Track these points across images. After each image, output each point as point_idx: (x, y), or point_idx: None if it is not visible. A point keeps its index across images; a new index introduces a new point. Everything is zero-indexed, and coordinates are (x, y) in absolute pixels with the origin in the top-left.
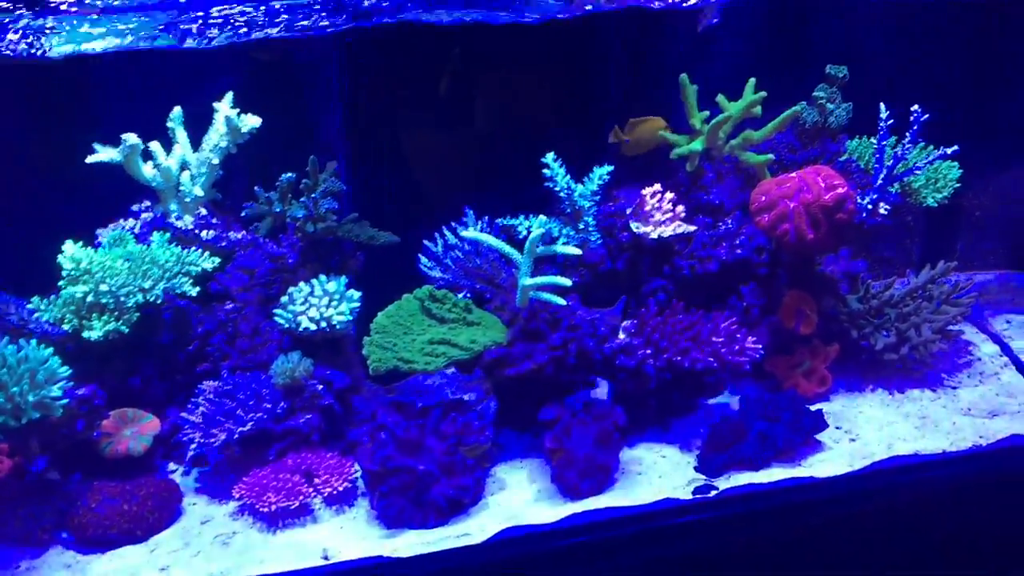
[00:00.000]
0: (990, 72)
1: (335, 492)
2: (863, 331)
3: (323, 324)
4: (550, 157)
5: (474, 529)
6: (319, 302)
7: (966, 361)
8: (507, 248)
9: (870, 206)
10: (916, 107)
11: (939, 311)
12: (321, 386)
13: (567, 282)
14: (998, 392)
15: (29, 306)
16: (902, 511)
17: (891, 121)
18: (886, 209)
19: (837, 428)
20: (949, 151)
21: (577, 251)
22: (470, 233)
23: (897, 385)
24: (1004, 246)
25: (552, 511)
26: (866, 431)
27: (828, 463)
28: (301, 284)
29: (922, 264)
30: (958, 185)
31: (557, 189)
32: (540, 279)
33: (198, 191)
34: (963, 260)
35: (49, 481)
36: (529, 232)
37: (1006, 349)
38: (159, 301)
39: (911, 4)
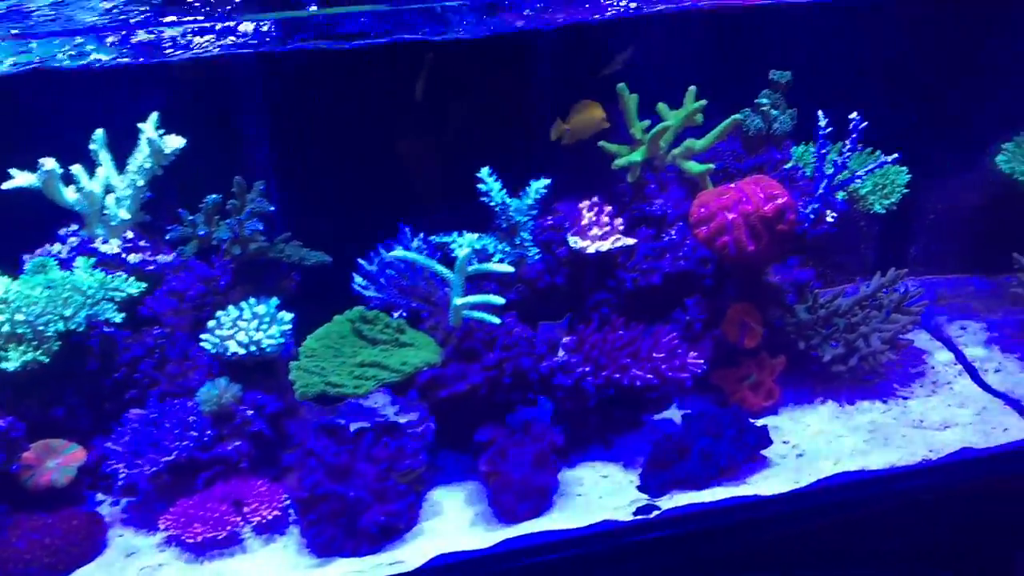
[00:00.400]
0: (941, 74)
1: (265, 521)
2: (811, 342)
3: (252, 348)
4: (485, 171)
5: (408, 556)
6: (248, 325)
7: (919, 370)
8: (437, 267)
9: (812, 216)
10: (854, 114)
11: (889, 320)
12: (251, 411)
13: (500, 300)
14: (950, 402)
15: None
16: (850, 528)
17: (829, 128)
18: (833, 217)
19: (784, 443)
20: (889, 158)
21: (509, 268)
22: (398, 253)
23: (847, 396)
24: (959, 249)
25: (488, 535)
26: (813, 445)
27: (773, 480)
28: (230, 307)
29: (877, 269)
30: (906, 191)
31: (492, 204)
32: (472, 298)
33: (124, 214)
34: (918, 264)
35: None
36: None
37: (960, 357)
38: (81, 329)
39: (857, 7)
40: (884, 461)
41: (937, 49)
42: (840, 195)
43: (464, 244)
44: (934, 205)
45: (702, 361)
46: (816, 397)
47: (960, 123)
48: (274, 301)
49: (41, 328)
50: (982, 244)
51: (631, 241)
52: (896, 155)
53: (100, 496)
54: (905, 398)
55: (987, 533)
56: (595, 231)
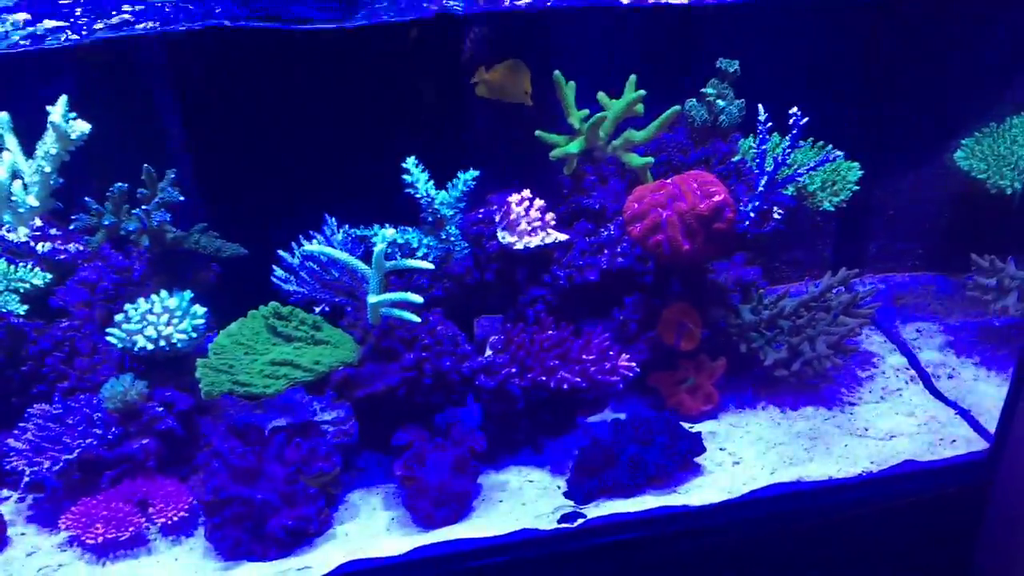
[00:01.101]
0: (902, 68)
1: (171, 522)
2: (752, 345)
3: (162, 343)
4: (411, 161)
5: (316, 562)
6: (157, 319)
7: (869, 374)
8: (354, 261)
9: (752, 214)
10: (795, 109)
11: (837, 322)
12: (161, 408)
13: (418, 299)
14: (899, 410)
15: None
16: (784, 541)
17: (770, 123)
18: (779, 214)
19: (721, 450)
20: (832, 156)
21: (428, 265)
22: (314, 247)
23: (791, 402)
24: (920, 247)
25: (402, 542)
26: (751, 453)
27: (705, 489)
28: (140, 300)
29: (834, 266)
30: (857, 188)
31: (418, 196)
32: (389, 295)
33: (32, 201)
34: (878, 262)
35: None
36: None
37: (913, 361)
38: None
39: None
40: (822, 472)
41: (897, 43)
42: (789, 190)
43: (383, 238)
44: (894, 201)
45: (634, 364)
46: (759, 402)
47: (921, 118)
48: (187, 294)
49: None
50: (943, 242)
51: (563, 236)
52: (839, 153)
53: (6, 492)
54: (852, 404)
55: (929, 550)
56: (523, 226)
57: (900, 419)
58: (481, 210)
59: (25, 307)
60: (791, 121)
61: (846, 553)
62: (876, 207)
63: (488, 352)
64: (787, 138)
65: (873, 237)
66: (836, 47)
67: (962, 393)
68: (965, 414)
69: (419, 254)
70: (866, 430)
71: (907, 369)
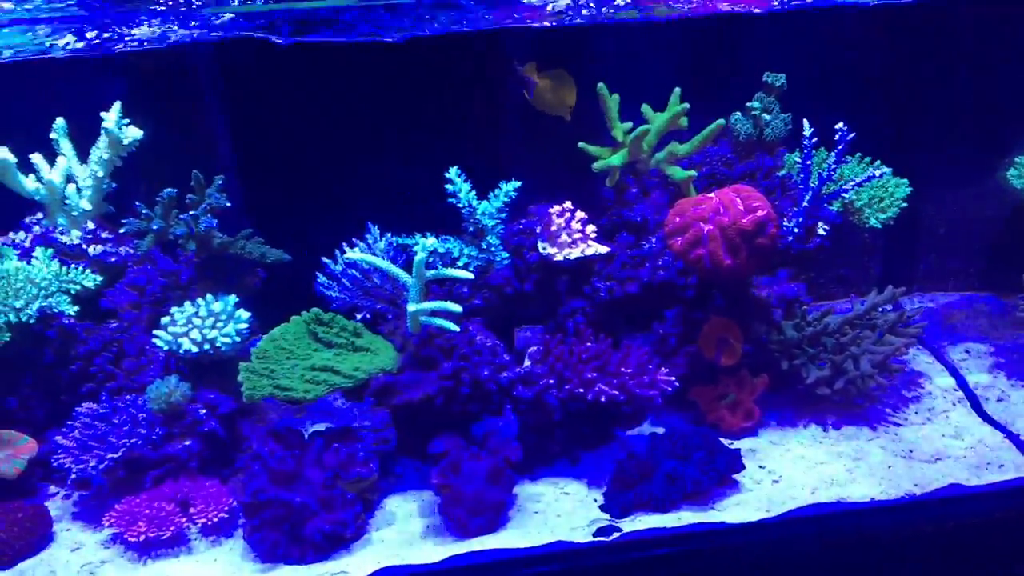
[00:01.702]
0: (952, 83)
1: (211, 522)
2: (794, 362)
3: (206, 346)
4: (453, 171)
5: (352, 566)
6: (202, 323)
7: (915, 395)
8: (395, 269)
9: (796, 230)
10: (840, 124)
11: (882, 341)
12: (204, 411)
13: (457, 308)
14: (945, 432)
15: None
16: (823, 563)
17: (815, 138)
18: (825, 230)
19: (760, 467)
20: (879, 172)
21: (468, 275)
22: (355, 254)
23: (834, 421)
24: (971, 266)
25: (436, 550)
26: (792, 472)
27: (743, 506)
28: (186, 304)
29: (882, 284)
30: (904, 204)
31: (460, 206)
32: (428, 304)
33: (85, 205)
34: (926, 281)
35: None
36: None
37: (961, 382)
38: (33, 321)
39: (863, 11)
40: (864, 493)
41: (949, 55)
42: (835, 206)
43: (423, 247)
44: (945, 219)
45: (673, 378)
46: (800, 420)
47: (974, 134)
48: (232, 299)
49: None
50: (995, 262)
51: (604, 249)
52: (887, 169)
53: (53, 488)
54: (897, 425)
55: None
56: (564, 237)
57: (946, 441)
58: (522, 221)
59: (76, 308)
60: (837, 136)
61: None
62: (926, 224)
63: (526, 363)
64: (833, 153)
65: (922, 255)
66: (886, 59)
67: (1012, 416)
68: (1014, 438)
69: (460, 263)
70: (911, 452)
71: (955, 391)
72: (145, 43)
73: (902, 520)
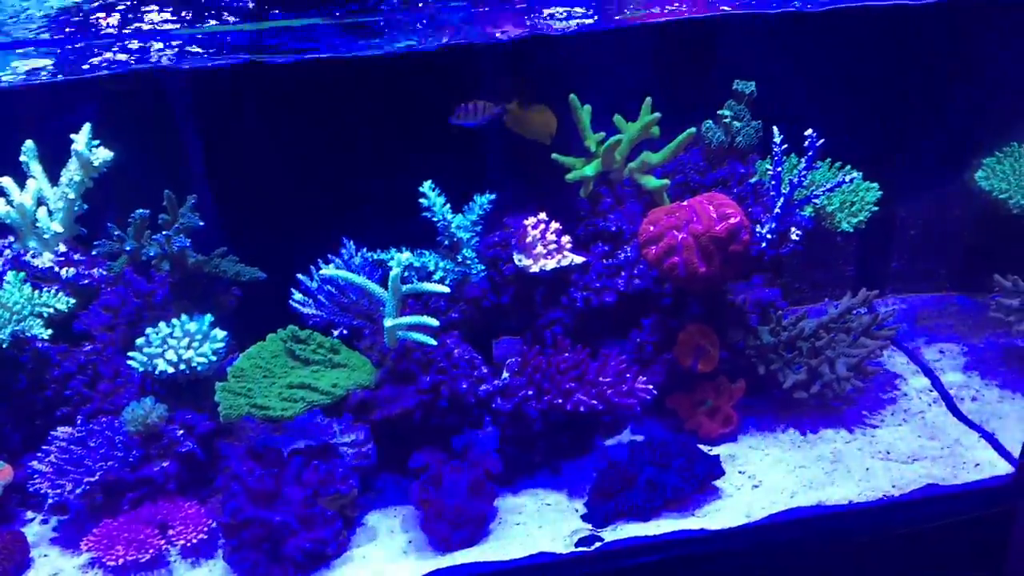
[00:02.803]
0: (919, 88)
1: (191, 544)
2: (771, 367)
3: (182, 367)
4: (427, 185)
5: None
6: (178, 343)
7: (891, 396)
8: (371, 285)
9: (769, 235)
10: (810, 131)
11: (857, 344)
12: (181, 432)
13: (434, 322)
14: (921, 433)
15: None
16: (802, 566)
17: (785, 145)
18: (798, 235)
19: (740, 472)
20: (848, 177)
21: (444, 289)
22: (331, 271)
23: (811, 424)
24: (942, 267)
25: (419, 565)
26: (771, 476)
27: (724, 512)
28: (161, 324)
29: (856, 286)
30: (875, 208)
31: (435, 220)
32: (405, 319)
33: (56, 227)
34: (899, 282)
35: None
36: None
37: (936, 383)
38: (4, 345)
39: (830, 16)
40: (843, 495)
41: (916, 61)
42: (807, 211)
43: (398, 262)
44: (916, 221)
45: (651, 386)
46: (778, 424)
47: (942, 137)
48: (207, 318)
49: None
50: (966, 262)
51: (579, 259)
52: (856, 175)
53: (30, 514)
54: (873, 427)
55: None
56: (539, 249)
57: (923, 442)
58: (497, 233)
59: (49, 331)
60: (807, 143)
61: None
62: (898, 227)
63: (505, 374)
64: (803, 159)
65: (895, 257)
66: (854, 65)
67: (986, 416)
68: (989, 437)
69: (436, 277)
70: (888, 453)
71: (930, 391)
72: (114, 66)
73: (881, 521)
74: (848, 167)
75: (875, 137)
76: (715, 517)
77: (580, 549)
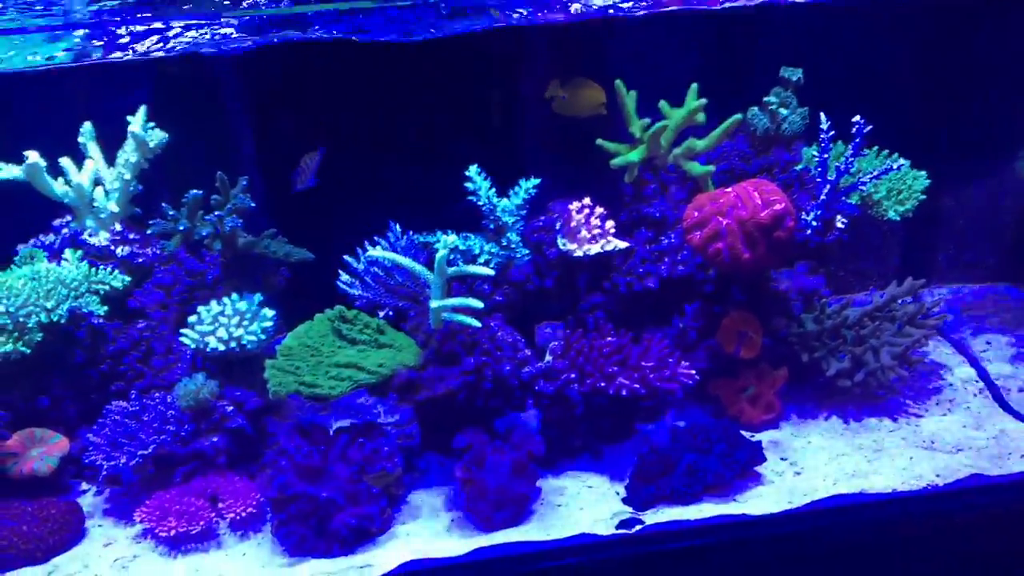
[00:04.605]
0: (969, 74)
1: (240, 517)
2: (814, 355)
3: (232, 344)
4: (473, 170)
5: (378, 560)
6: (228, 321)
7: (936, 386)
8: (417, 267)
9: (814, 223)
10: (857, 117)
11: (902, 333)
12: (231, 408)
13: (479, 304)
14: (966, 423)
15: None
16: (843, 555)
17: (832, 132)
18: (843, 223)
19: (782, 459)
20: (895, 165)
21: (489, 271)
22: (377, 252)
23: (854, 413)
24: (990, 257)
25: (461, 544)
26: (813, 464)
27: (765, 499)
28: (212, 303)
29: (902, 276)
30: (923, 197)
31: (480, 203)
32: (450, 301)
33: (113, 207)
34: (946, 272)
35: None
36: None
37: (982, 373)
38: (63, 321)
39: (880, 2)
40: (886, 484)
41: (967, 46)
42: (853, 199)
43: (444, 245)
44: (965, 210)
45: (694, 372)
46: (821, 412)
47: (993, 125)
48: (257, 297)
49: (23, 319)
50: (1015, 253)
51: (623, 244)
52: (904, 162)
53: (85, 485)
54: (917, 416)
55: (996, 568)
56: (583, 233)
57: (968, 432)
58: (542, 218)
59: (105, 308)
60: (854, 129)
61: (909, 569)
62: (946, 216)
63: (548, 358)
64: (850, 146)
65: (942, 247)
66: (904, 51)
67: None
68: None
69: (480, 260)
70: (932, 443)
71: (976, 382)
72: (176, 48)
73: (924, 511)
74: (896, 155)
75: (924, 125)
76: (756, 503)
77: (621, 531)
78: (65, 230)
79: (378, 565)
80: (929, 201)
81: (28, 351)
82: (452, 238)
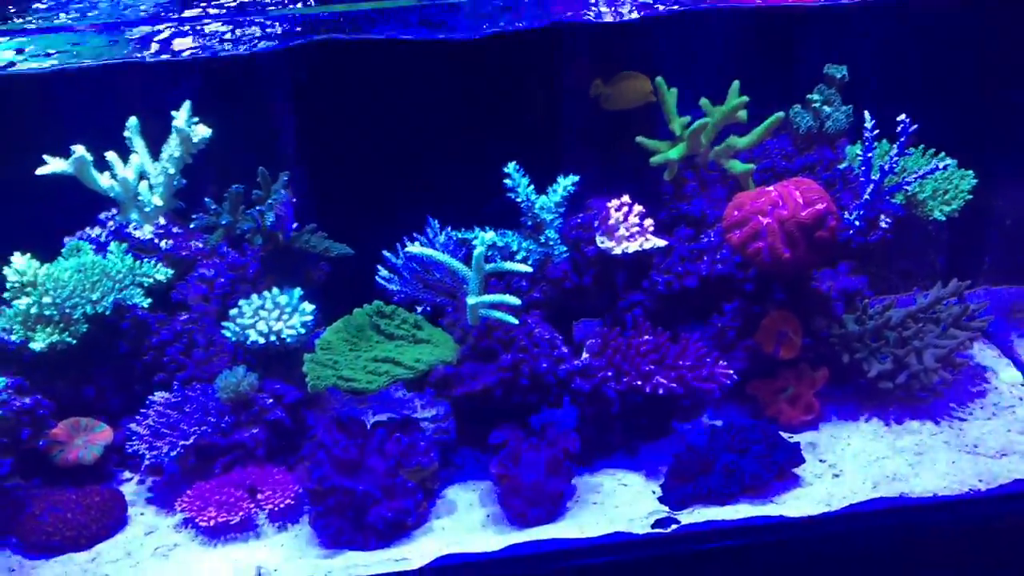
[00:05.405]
0: (1019, 74)
1: (278, 508)
2: (855, 355)
3: (272, 338)
4: (512, 166)
5: (414, 553)
6: (269, 315)
7: (981, 390)
8: (455, 263)
9: (857, 222)
10: (903, 116)
11: (946, 335)
12: (271, 400)
13: (516, 301)
14: (1011, 427)
15: None
16: (882, 558)
17: (877, 131)
18: (887, 223)
19: (821, 461)
20: (942, 164)
21: (527, 268)
22: (416, 248)
23: (896, 415)
24: None
25: (496, 539)
26: (852, 466)
27: (803, 500)
28: (253, 296)
29: (947, 277)
30: (969, 197)
31: (519, 200)
32: (488, 297)
33: (157, 201)
34: (993, 274)
35: (0, 487)
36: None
37: None
38: (107, 313)
39: (928, 2)
40: (927, 488)
41: (1017, 49)
42: (897, 198)
43: (482, 241)
44: (1012, 211)
45: (732, 371)
46: (861, 414)
47: None
48: (297, 292)
49: (68, 311)
50: None
51: (662, 242)
52: (950, 161)
53: (127, 474)
54: (961, 420)
55: None
56: (622, 231)
57: (1012, 437)
58: (580, 215)
59: (149, 300)
60: (899, 128)
61: (949, 574)
62: (992, 217)
63: (584, 355)
64: (895, 145)
65: (989, 248)
66: (951, 47)
67: None
68: None
69: (518, 257)
70: (975, 447)
71: (1022, 386)
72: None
73: (966, 515)
74: (942, 154)
75: (971, 124)
76: (794, 505)
77: (657, 530)
78: (111, 223)
79: (414, 558)
80: (976, 201)
81: (74, 342)
82: (490, 235)
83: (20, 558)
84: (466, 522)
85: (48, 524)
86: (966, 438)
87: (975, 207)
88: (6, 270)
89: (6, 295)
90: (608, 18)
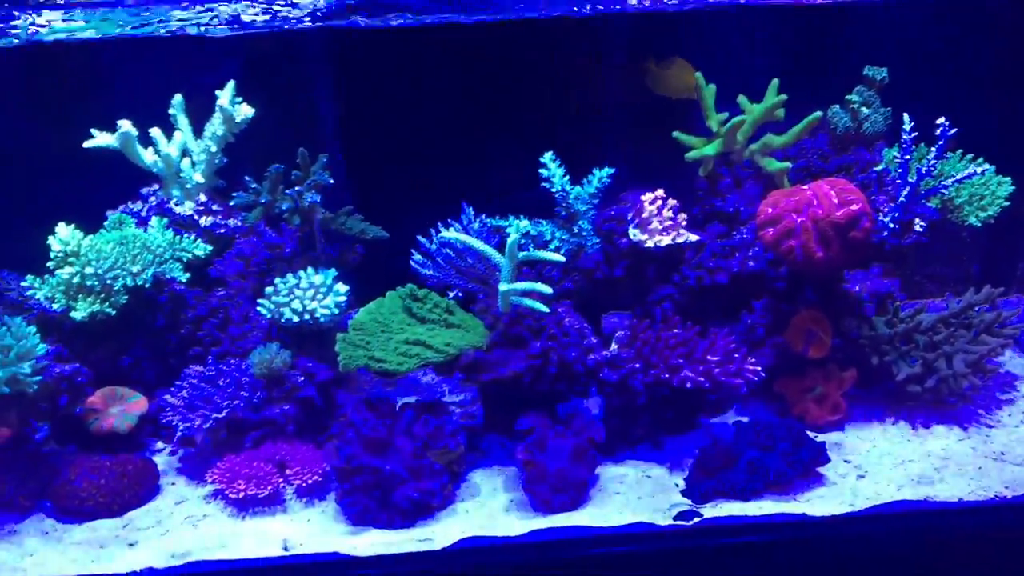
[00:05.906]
0: None
1: (305, 484)
2: (885, 358)
3: (306, 316)
4: (548, 156)
5: (437, 535)
6: (303, 294)
7: (1010, 397)
8: (488, 250)
9: (892, 225)
10: (942, 120)
11: (977, 341)
12: (303, 378)
13: (548, 289)
14: None
15: (23, 283)
16: (904, 561)
17: (915, 133)
18: (921, 226)
19: (846, 462)
20: (979, 169)
21: (559, 257)
22: (450, 234)
23: (923, 419)
24: None
25: (520, 524)
26: (877, 468)
27: (827, 500)
28: (288, 275)
29: (980, 283)
30: (1006, 203)
31: (554, 190)
32: (520, 284)
33: (198, 178)
34: None
35: (37, 452)
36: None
37: None
38: (147, 285)
39: (971, 4)
40: (952, 493)
41: None
42: (933, 202)
43: (516, 229)
44: None
45: (760, 368)
46: (888, 417)
47: None
48: (331, 272)
49: (109, 282)
50: None
51: (695, 237)
52: (988, 167)
53: (160, 444)
54: (989, 426)
55: None
56: (655, 225)
57: None
58: (614, 207)
59: (187, 275)
60: (938, 132)
61: None
62: None
63: (613, 346)
64: (933, 149)
65: (1023, 255)
66: (992, 54)
67: None
68: None
69: (551, 247)
70: (1003, 454)
71: None
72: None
73: (990, 522)
74: (980, 159)
75: (1010, 130)
76: (817, 504)
77: (679, 523)
78: (152, 199)
79: (437, 539)
80: (1013, 207)
81: (113, 312)
82: (524, 223)
83: (54, 521)
84: (490, 506)
85: (82, 490)
86: (993, 445)
87: (1011, 214)
88: (51, 240)
89: (50, 264)
90: (647, 1)
